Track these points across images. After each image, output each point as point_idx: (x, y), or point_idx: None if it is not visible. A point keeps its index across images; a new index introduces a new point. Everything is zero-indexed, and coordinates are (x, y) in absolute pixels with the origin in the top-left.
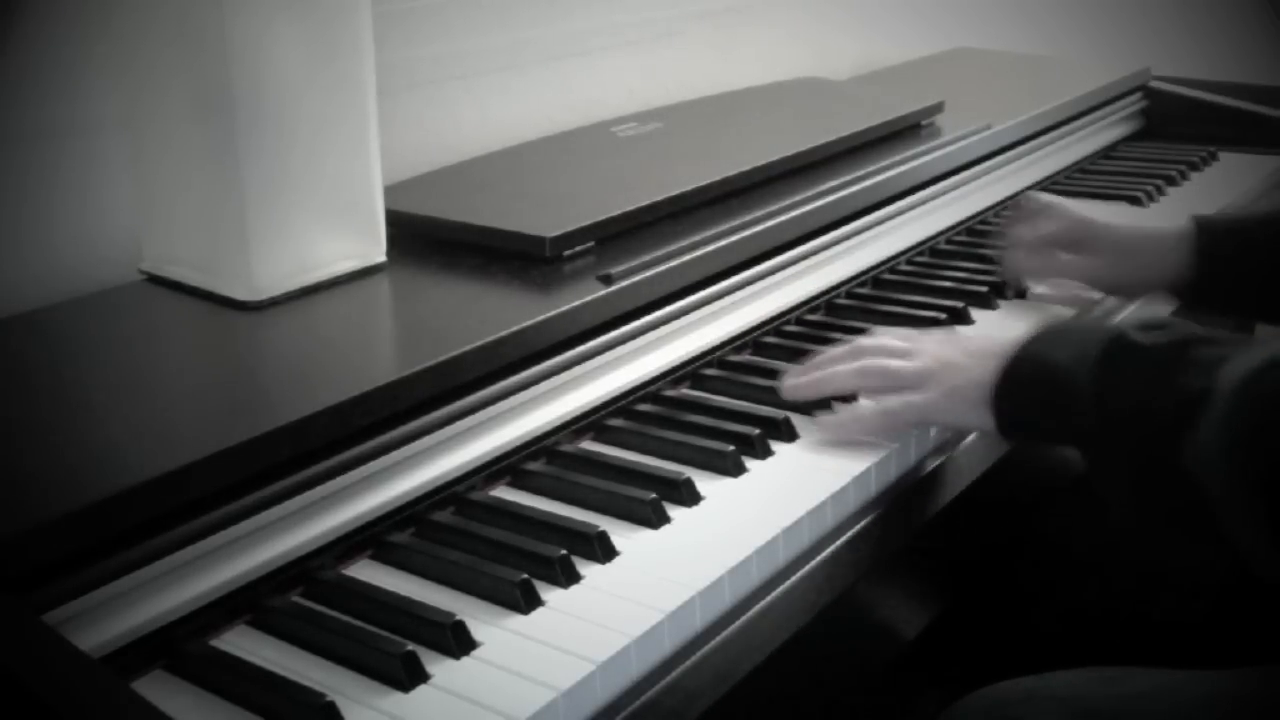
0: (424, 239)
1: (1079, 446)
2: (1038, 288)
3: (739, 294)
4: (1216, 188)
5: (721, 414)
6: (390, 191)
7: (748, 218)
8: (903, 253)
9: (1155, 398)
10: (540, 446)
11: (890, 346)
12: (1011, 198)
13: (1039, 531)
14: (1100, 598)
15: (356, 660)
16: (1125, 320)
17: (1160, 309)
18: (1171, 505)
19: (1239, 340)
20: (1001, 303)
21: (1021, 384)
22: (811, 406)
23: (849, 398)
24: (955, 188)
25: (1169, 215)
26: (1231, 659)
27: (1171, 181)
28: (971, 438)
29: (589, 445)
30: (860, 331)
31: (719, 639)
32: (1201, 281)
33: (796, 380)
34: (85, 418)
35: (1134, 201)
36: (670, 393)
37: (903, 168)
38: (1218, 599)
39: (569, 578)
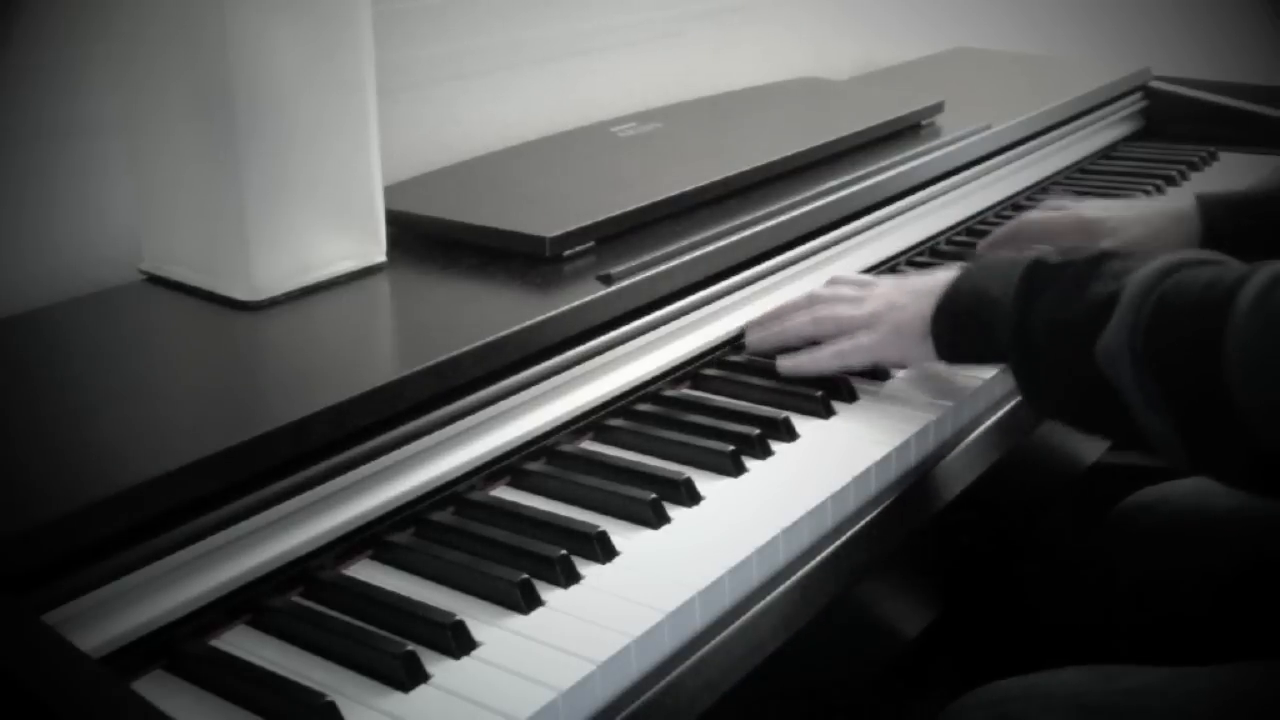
0: (424, 239)
1: (1006, 361)
2: None
3: (739, 294)
4: (1216, 188)
5: (721, 414)
6: (390, 191)
7: (748, 218)
8: (903, 253)
9: (1070, 306)
10: (540, 446)
11: (843, 294)
12: (1011, 198)
13: (1039, 531)
14: (1099, 597)
15: (356, 660)
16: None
17: None
18: (1088, 406)
19: (1146, 255)
20: None
21: (955, 313)
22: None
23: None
24: (955, 188)
25: None
26: (1231, 656)
27: (1171, 181)
28: (971, 438)
29: (589, 445)
30: None
31: (719, 639)
32: None
33: (757, 334)
34: (85, 418)
35: None
36: (670, 393)
37: (903, 168)
38: (1216, 598)
39: (569, 578)
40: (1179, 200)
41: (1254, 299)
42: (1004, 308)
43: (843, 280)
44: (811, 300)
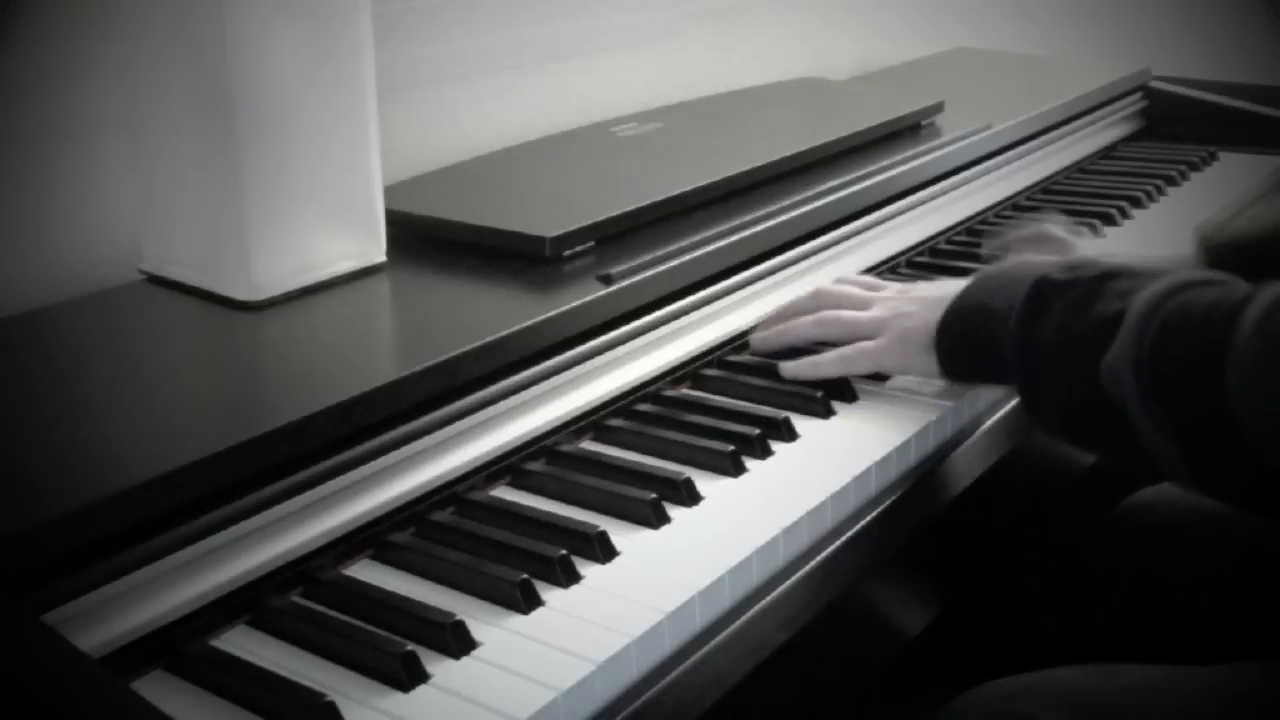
0: (424, 239)
1: (1009, 381)
2: None
3: (739, 294)
4: (1216, 188)
5: (721, 414)
6: (390, 191)
7: (748, 218)
8: (903, 253)
9: (1075, 325)
10: (540, 446)
11: (850, 295)
12: (1011, 198)
13: (1039, 531)
14: (1099, 596)
15: (356, 660)
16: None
17: None
18: (1091, 424)
19: (1154, 272)
20: None
21: (960, 327)
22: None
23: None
24: (955, 188)
25: (1170, 215)
26: (1230, 656)
27: (1171, 181)
28: (972, 438)
29: (589, 445)
30: None
31: (719, 639)
32: None
33: (763, 333)
34: (85, 418)
35: (1134, 202)
36: (670, 393)
37: (903, 168)
38: (1217, 597)
39: (569, 578)
40: (1177, 250)
41: (1256, 320)
42: (1009, 323)
43: (849, 280)
44: (817, 300)
